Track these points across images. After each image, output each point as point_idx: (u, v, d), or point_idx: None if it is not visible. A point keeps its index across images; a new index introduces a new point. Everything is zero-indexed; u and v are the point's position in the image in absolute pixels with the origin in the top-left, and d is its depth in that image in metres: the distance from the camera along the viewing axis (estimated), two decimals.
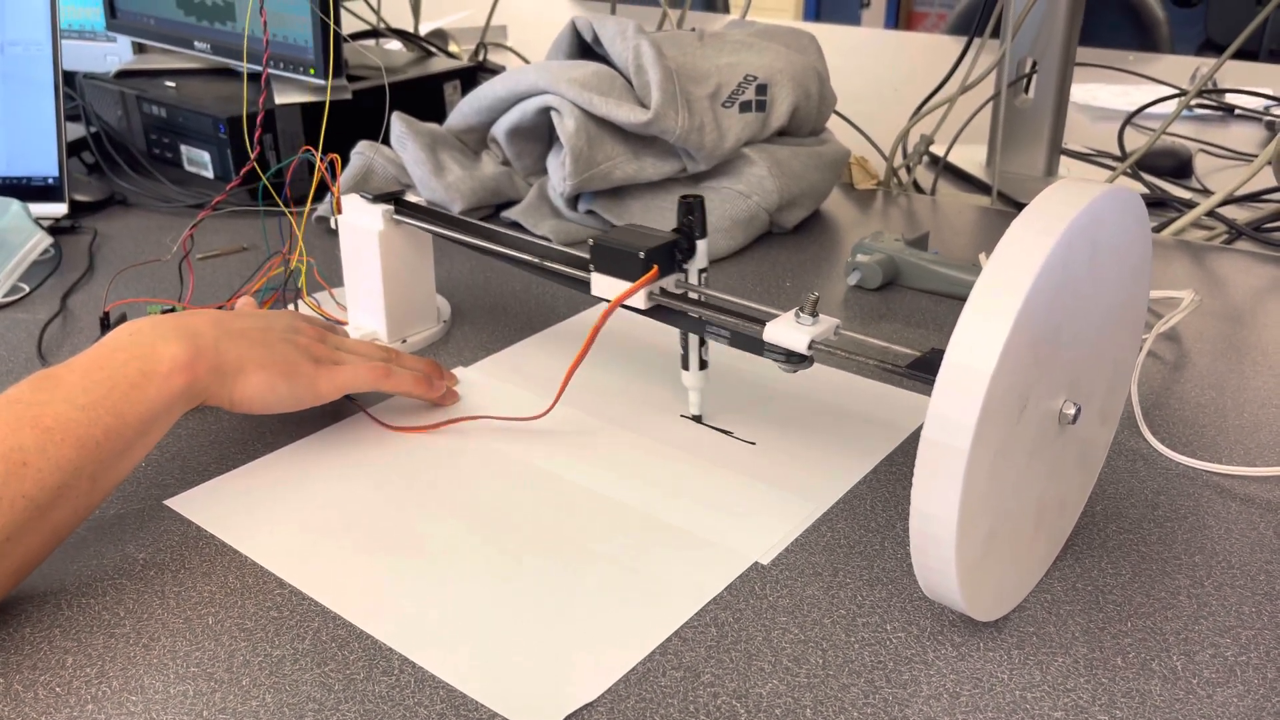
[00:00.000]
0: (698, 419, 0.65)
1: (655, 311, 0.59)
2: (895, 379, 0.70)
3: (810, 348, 0.53)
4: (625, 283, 0.58)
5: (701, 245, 0.60)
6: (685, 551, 0.53)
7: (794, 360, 0.55)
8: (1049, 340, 0.43)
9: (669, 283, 0.60)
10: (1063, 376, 0.46)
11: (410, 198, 0.72)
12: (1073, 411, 0.46)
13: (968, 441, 0.39)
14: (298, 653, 0.46)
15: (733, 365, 0.71)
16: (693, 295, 0.60)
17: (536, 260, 0.65)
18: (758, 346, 0.55)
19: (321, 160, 0.71)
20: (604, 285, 0.60)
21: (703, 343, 0.63)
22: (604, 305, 0.59)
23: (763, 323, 0.55)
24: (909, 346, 0.51)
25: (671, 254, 0.59)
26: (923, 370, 0.50)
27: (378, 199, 0.70)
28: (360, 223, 0.70)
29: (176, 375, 0.53)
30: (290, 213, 0.76)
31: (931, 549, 0.43)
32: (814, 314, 0.54)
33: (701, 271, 0.60)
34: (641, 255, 0.57)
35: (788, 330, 0.53)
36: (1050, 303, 0.42)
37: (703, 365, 0.63)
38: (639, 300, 0.58)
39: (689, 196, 0.59)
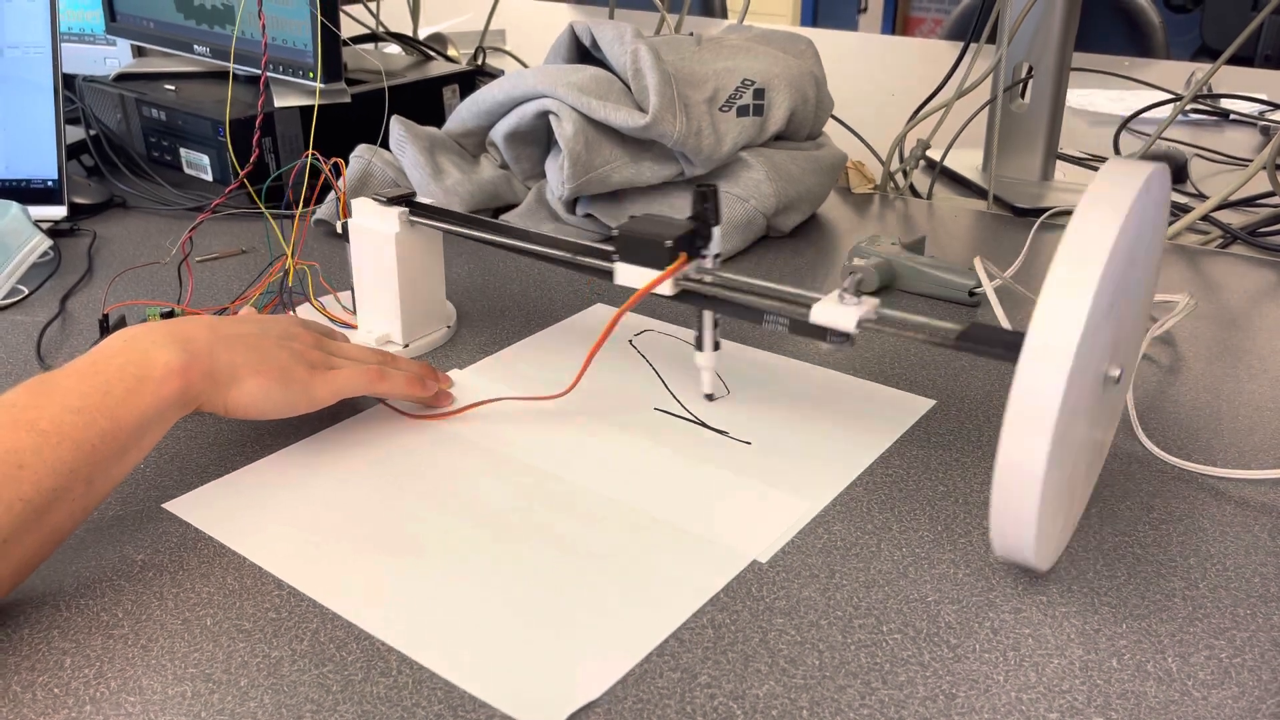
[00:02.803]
0: (710, 398, 0.67)
1: (685, 297, 0.61)
2: (889, 379, 0.70)
3: (858, 326, 0.55)
4: (650, 271, 0.60)
5: (716, 233, 0.61)
6: (685, 550, 0.53)
7: (837, 340, 0.56)
8: (1110, 299, 0.45)
9: (689, 269, 0.61)
10: (1110, 339, 0.48)
11: (421, 199, 0.72)
12: (1117, 374, 0.48)
13: (1063, 382, 0.42)
14: (296, 654, 0.46)
15: (726, 365, 0.71)
16: (713, 280, 0.61)
17: (556, 253, 0.66)
18: (809, 330, 0.57)
19: (326, 164, 0.71)
20: (629, 274, 0.61)
21: (715, 324, 0.65)
22: (604, 311, 0.59)
23: (806, 305, 0.56)
24: (942, 327, 0.53)
25: (693, 241, 0.61)
26: (970, 341, 0.52)
27: (392, 201, 0.70)
28: (373, 225, 0.70)
29: (170, 381, 0.53)
30: (269, 216, 0.76)
31: (1017, 489, 0.44)
32: (858, 294, 0.56)
33: (716, 257, 0.62)
34: (669, 244, 0.59)
35: (835, 310, 0.56)
36: (1117, 265, 0.44)
37: (716, 346, 0.65)
38: (666, 288, 0.60)
39: (704, 185, 0.61)
